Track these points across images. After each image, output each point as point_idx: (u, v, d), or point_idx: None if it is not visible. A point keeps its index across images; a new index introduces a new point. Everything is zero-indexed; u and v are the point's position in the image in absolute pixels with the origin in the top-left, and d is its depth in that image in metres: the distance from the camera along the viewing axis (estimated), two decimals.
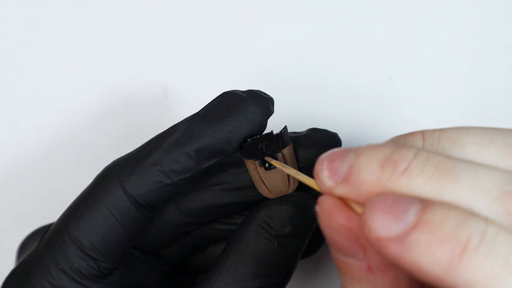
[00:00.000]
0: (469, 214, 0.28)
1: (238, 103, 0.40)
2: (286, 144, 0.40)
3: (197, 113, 0.40)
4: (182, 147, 0.39)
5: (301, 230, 0.40)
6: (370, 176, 0.30)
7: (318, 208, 0.32)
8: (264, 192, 0.41)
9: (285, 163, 0.41)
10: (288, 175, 0.41)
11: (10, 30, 0.52)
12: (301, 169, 0.41)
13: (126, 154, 0.40)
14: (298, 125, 0.49)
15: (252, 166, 0.41)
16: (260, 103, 0.40)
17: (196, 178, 0.40)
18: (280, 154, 0.40)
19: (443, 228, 0.28)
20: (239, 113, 0.40)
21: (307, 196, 0.41)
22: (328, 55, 0.49)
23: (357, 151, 0.31)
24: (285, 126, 0.41)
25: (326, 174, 0.31)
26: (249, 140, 0.40)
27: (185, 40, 0.51)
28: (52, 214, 0.48)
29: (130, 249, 0.43)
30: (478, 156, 0.31)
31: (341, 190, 0.31)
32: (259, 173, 0.41)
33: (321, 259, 0.50)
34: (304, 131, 0.42)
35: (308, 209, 0.41)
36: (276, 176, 0.41)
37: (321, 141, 0.42)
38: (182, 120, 0.40)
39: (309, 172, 0.41)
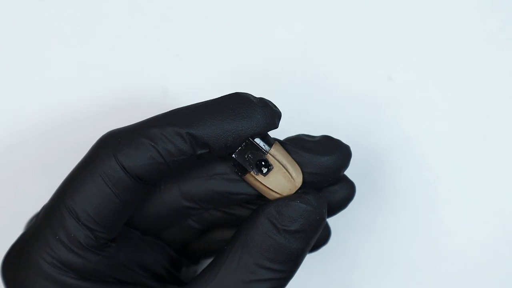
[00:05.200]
0: None
1: (246, 107, 0.40)
2: (270, 144, 0.40)
3: (205, 101, 0.40)
4: (179, 129, 0.39)
5: (308, 228, 0.40)
6: None
7: None
8: (276, 197, 0.41)
9: (277, 161, 0.41)
10: (287, 170, 0.41)
11: (10, 29, 0.52)
12: (310, 175, 0.42)
13: (123, 127, 0.41)
14: (298, 125, 0.49)
15: (251, 179, 0.41)
16: (268, 114, 0.40)
17: (189, 163, 0.40)
18: (268, 155, 0.40)
19: None
20: (243, 116, 0.40)
21: (318, 195, 0.41)
22: (328, 55, 0.49)
23: None
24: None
25: None
26: (234, 155, 0.40)
27: (185, 40, 0.51)
28: None
29: (131, 229, 0.44)
30: None
31: None
32: (261, 182, 0.41)
33: (325, 256, 0.50)
34: (317, 137, 0.42)
35: (318, 208, 0.41)
36: (278, 176, 0.41)
37: (333, 151, 0.42)
38: (187, 105, 0.40)
39: (318, 179, 0.41)
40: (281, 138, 0.43)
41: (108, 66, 0.52)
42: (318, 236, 0.43)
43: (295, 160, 0.41)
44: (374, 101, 0.49)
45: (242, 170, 0.41)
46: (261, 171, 0.40)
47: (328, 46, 0.49)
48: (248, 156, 0.40)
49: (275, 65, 0.50)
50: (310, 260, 0.50)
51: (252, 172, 0.40)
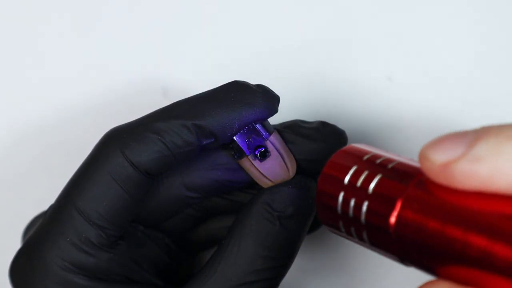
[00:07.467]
0: None
1: (248, 93, 0.41)
2: (270, 132, 0.42)
3: (205, 92, 0.41)
4: (185, 121, 0.40)
5: (303, 212, 0.41)
6: None
7: None
8: (268, 185, 0.42)
9: (275, 149, 0.42)
10: (284, 160, 0.42)
11: (9, 28, 0.52)
12: (305, 161, 0.42)
13: (126, 123, 0.41)
14: None
15: (247, 163, 0.42)
16: (268, 98, 0.41)
17: (195, 154, 0.41)
18: (268, 141, 0.41)
19: None
20: (246, 103, 0.41)
21: (309, 179, 0.42)
22: (327, 55, 0.49)
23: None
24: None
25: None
26: (234, 138, 0.41)
27: (186, 40, 0.51)
28: None
29: (133, 224, 0.44)
30: None
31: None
32: (256, 168, 0.42)
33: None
34: (313, 123, 0.43)
35: (309, 190, 0.42)
36: (274, 164, 0.42)
37: (329, 137, 0.43)
38: (189, 97, 0.41)
39: (312, 166, 0.42)
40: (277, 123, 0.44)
41: (108, 66, 0.52)
42: (315, 218, 0.44)
43: (292, 147, 0.42)
44: (374, 101, 0.49)
45: (240, 154, 0.42)
46: (259, 157, 0.41)
47: (327, 45, 0.49)
48: (248, 140, 0.41)
49: (275, 65, 0.50)
50: (310, 262, 0.50)
51: (249, 157, 0.41)
